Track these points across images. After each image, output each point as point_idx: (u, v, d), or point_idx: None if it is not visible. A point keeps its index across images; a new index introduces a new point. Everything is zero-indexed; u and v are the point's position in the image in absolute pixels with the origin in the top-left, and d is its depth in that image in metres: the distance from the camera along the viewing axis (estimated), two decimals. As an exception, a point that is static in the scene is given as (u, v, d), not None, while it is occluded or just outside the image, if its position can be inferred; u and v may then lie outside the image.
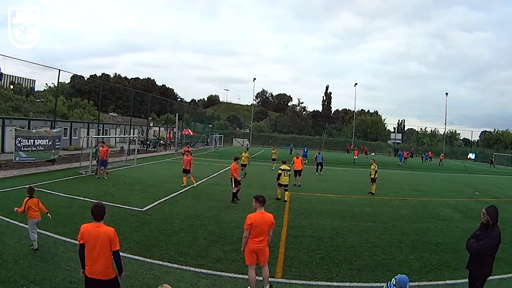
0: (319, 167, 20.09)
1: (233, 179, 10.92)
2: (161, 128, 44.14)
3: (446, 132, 58.19)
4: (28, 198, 5.96)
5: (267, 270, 4.88)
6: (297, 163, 14.97)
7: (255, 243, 4.66)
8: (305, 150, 27.63)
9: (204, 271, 5.41)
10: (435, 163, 35.12)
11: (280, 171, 11.41)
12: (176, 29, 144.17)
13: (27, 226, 6.29)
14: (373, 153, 49.13)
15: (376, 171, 13.68)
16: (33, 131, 16.35)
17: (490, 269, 4.19)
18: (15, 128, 15.62)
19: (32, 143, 14.62)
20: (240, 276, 5.29)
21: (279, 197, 11.48)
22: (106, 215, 3.71)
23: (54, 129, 18.02)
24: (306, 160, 24.42)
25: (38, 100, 36.21)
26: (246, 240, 4.70)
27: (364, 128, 61.17)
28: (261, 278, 4.92)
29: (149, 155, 25.45)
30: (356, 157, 30.81)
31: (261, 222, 4.66)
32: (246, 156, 17.45)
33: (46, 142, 15.38)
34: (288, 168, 11.64)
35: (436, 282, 5.44)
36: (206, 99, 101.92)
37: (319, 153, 20.88)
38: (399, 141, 59.05)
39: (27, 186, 10.69)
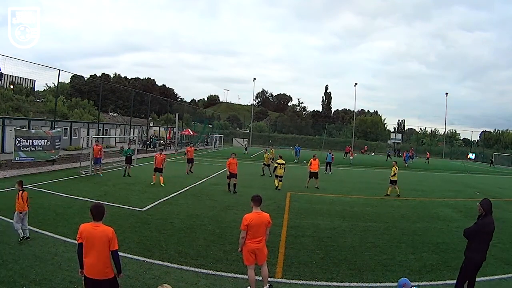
0: (328, 166, 20.64)
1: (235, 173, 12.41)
2: (161, 128, 44.15)
3: (446, 132, 58.31)
4: (21, 191, 6.23)
5: (266, 269, 4.88)
6: (314, 165, 14.73)
7: (253, 243, 4.66)
8: (298, 149, 29.75)
9: (204, 271, 5.41)
10: (419, 162, 34.92)
11: (276, 165, 13.90)
12: (176, 29, 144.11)
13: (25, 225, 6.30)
14: (373, 153, 49.17)
15: (395, 173, 13.56)
16: (32, 131, 16.36)
17: (479, 256, 4.47)
18: (14, 128, 15.62)
19: (31, 143, 14.64)
20: (240, 276, 5.30)
21: (277, 186, 13.47)
22: (106, 215, 3.72)
23: (54, 129, 18.03)
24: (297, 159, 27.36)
25: (38, 100, 36.19)
26: (244, 240, 4.70)
27: (364, 128, 61.11)
28: (260, 278, 4.91)
29: (149, 155, 25.42)
30: (352, 157, 30.74)
31: (258, 222, 4.66)
32: (267, 156, 18.27)
33: (45, 143, 15.39)
34: (283, 162, 13.80)
35: (436, 282, 5.44)
36: (206, 99, 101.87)
37: (329, 153, 21.44)
38: (399, 141, 59.02)
39: (27, 186, 10.79)
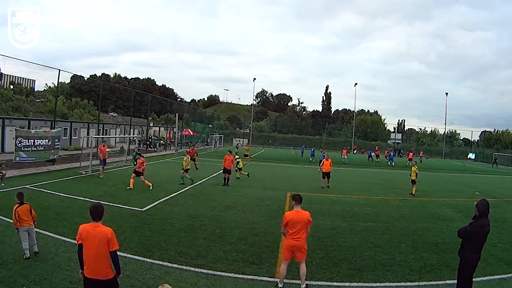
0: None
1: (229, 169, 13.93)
2: (161, 128, 44.16)
3: (446, 132, 58.32)
4: (17, 205, 5.56)
5: (305, 267, 4.98)
6: (326, 165, 15.06)
7: (293, 240, 4.84)
8: (313, 150, 30.98)
9: (204, 271, 5.41)
10: (402, 161, 34.92)
11: (238, 159, 16.29)
12: (176, 29, 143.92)
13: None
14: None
15: (416, 173, 14.20)
16: (32, 131, 16.37)
17: (474, 256, 4.53)
18: (15, 128, 15.62)
19: (32, 143, 14.63)
20: (240, 276, 5.30)
21: (238, 177, 15.69)
22: (105, 215, 3.71)
23: (54, 129, 18.03)
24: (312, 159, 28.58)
25: (38, 100, 36.19)
26: (286, 233, 4.93)
27: (364, 128, 61.14)
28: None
29: (149, 155, 25.42)
30: (345, 156, 30.69)
31: (297, 220, 4.85)
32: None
33: (45, 142, 15.39)
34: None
35: (436, 282, 5.44)
36: (206, 99, 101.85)
37: (322, 152, 22.16)
38: (399, 141, 59.05)
39: (27, 186, 10.80)
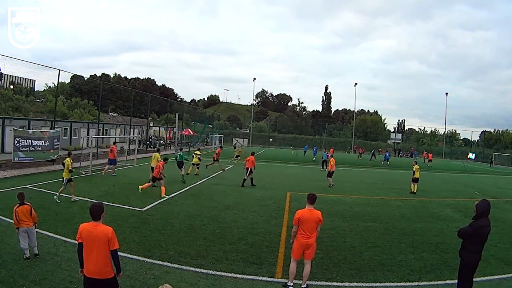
0: (324, 164, 21.98)
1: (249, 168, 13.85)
2: (161, 128, 44.15)
3: (446, 132, 58.32)
4: (18, 205, 5.54)
5: (309, 268, 4.99)
6: (330, 165, 15.59)
7: (304, 238, 4.89)
8: (315, 149, 32.85)
9: (204, 271, 5.41)
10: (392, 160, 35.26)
11: (194, 155, 16.70)
12: (175, 28, 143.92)
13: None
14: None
15: (414, 171, 14.52)
16: (30, 131, 16.38)
17: (474, 256, 4.53)
18: (13, 128, 15.62)
19: (30, 143, 14.65)
20: (240, 276, 5.30)
21: (188, 173, 15.66)
22: (104, 215, 3.70)
23: (53, 129, 18.02)
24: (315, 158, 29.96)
25: (38, 100, 36.20)
26: (295, 234, 4.96)
27: (364, 128, 61.12)
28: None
29: (149, 155, 25.34)
30: (332, 154, 31.36)
31: (308, 218, 4.89)
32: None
33: (43, 143, 15.38)
34: (199, 153, 16.81)
35: (436, 282, 5.44)
36: (206, 99, 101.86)
37: (325, 152, 23.47)
38: (399, 141, 59.05)
39: (27, 186, 10.79)
